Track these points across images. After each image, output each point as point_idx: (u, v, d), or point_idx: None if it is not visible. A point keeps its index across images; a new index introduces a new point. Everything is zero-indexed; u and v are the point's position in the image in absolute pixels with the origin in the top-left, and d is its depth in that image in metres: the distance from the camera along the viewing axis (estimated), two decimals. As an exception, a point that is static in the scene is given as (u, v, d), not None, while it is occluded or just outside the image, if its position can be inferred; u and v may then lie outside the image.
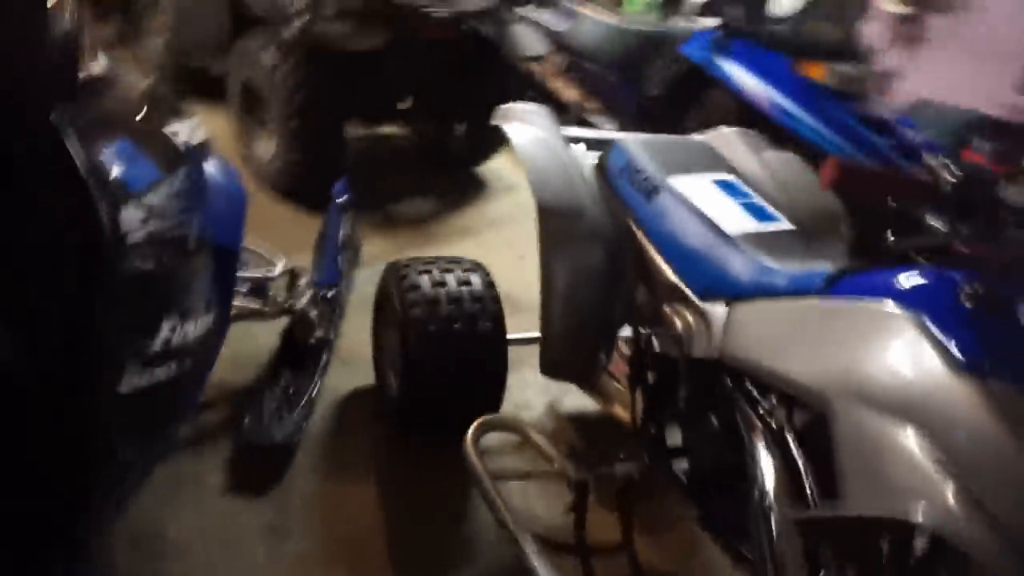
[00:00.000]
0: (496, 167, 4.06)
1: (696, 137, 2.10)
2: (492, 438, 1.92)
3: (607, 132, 2.08)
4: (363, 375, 2.29)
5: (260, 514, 1.78)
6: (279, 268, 2.16)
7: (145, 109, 1.47)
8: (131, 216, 1.15)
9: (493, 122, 1.91)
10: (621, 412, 1.95)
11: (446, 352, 1.81)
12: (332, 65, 2.88)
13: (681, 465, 1.70)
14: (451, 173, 3.89)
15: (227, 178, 1.64)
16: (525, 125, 1.86)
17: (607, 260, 1.75)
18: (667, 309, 1.62)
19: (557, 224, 1.71)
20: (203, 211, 1.41)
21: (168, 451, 1.58)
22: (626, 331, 1.83)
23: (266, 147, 3.09)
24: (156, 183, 1.26)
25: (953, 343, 1.08)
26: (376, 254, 2.95)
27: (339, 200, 2.56)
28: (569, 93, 4.12)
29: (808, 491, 1.28)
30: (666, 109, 3.58)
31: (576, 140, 2.01)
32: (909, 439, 1.04)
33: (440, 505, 1.91)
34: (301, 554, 1.71)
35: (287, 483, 1.88)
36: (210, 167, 1.56)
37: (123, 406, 1.15)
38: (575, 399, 2.38)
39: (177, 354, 1.29)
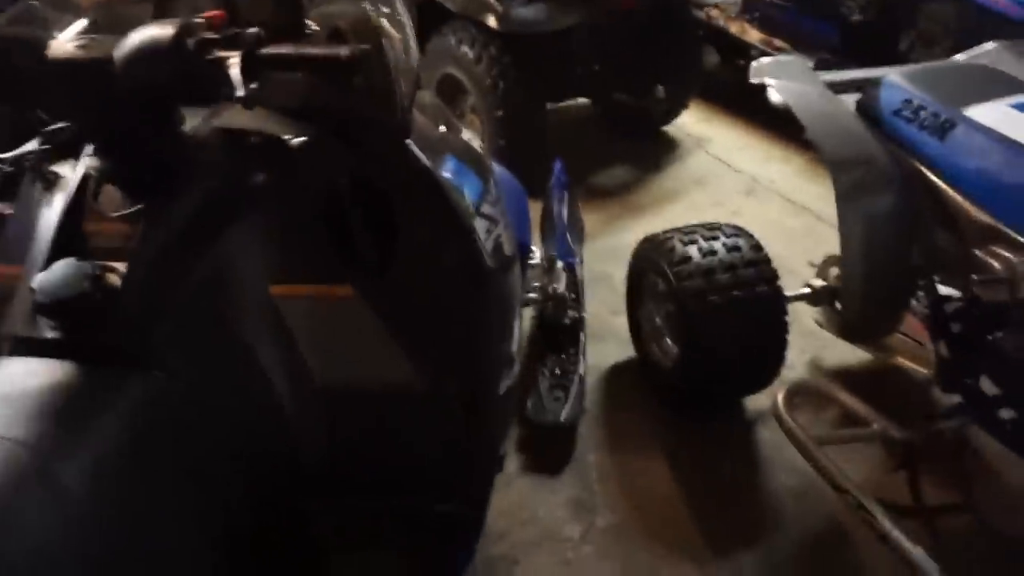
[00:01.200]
0: (679, 123, 3.95)
1: (964, 59, 1.93)
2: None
3: (860, 71, 1.94)
4: (615, 348, 2.34)
5: (561, 491, 1.87)
6: (538, 256, 2.23)
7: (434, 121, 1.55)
8: (480, 227, 1.22)
9: (753, 80, 1.84)
10: (912, 365, 1.85)
11: (729, 320, 1.79)
12: (528, 49, 2.91)
13: (1006, 414, 1.59)
14: (638, 137, 3.83)
15: (509, 177, 1.70)
16: (786, 80, 1.78)
17: (901, 208, 1.65)
18: (982, 252, 1.52)
19: (849, 176, 1.64)
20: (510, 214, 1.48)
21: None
22: (923, 281, 1.72)
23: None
24: (484, 193, 1.33)
25: None
26: (590, 228, 2.98)
27: (560, 180, 2.59)
28: (752, 35, 3.91)
29: None
30: (875, 34, 3.30)
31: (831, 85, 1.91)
32: None
33: (731, 473, 1.92)
34: (611, 527, 1.78)
35: (579, 460, 1.96)
36: (496, 169, 1.62)
37: (499, 406, 1.24)
38: (834, 356, 2.30)
39: (518, 354, 1.37)
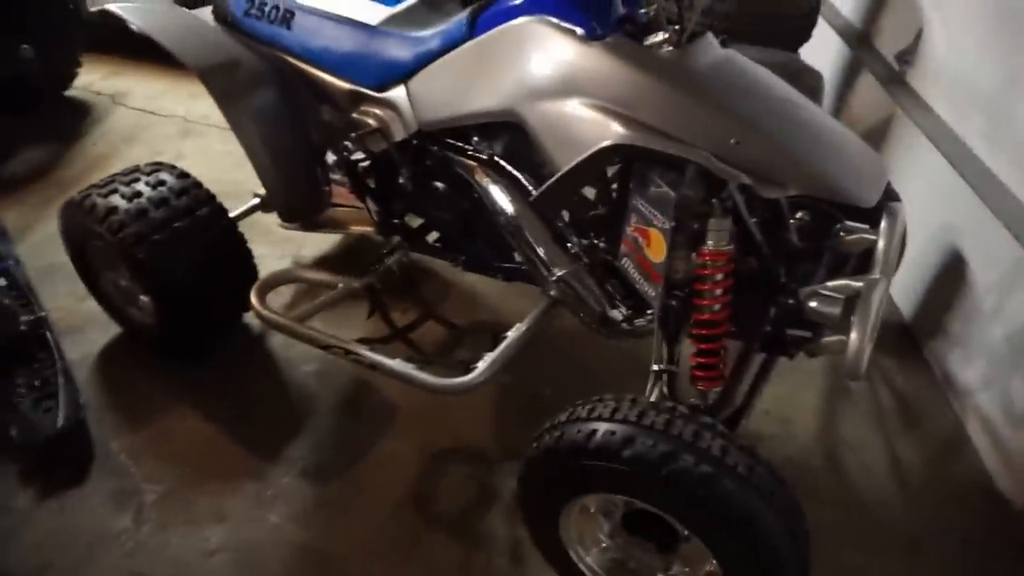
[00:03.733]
0: (84, 83, 3.58)
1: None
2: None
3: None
4: (97, 333, 2.15)
5: (96, 493, 1.72)
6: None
7: None
8: None
9: (91, 9, 1.75)
10: (361, 228, 2.12)
11: (183, 252, 1.78)
12: None
13: (431, 237, 1.97)
14: (31, 110, 3.33)
15: None
16: (133, 4, 1.74)
17: (281, 97, 1.81)
18: (355, 114, 1.78)
19: (222, 82, 1.71)
20: None
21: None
22: (332, 154, 1.95)
23: None
24: None
25: (573, 25, 1.41)
26: (17, 223, 2.59)
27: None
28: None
29: (529, 188, 1.61)
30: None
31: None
32: (581, 105, 1.37)
33: (255, 388, 2.00)
34: (162, 496, 1.72)
35: (102, 454, 1.81)
36: None
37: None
38: (310, 250, 2.51)
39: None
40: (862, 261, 1.54)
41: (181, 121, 3.34)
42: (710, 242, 1.36)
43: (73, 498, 1.71)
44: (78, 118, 3.35)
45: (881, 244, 1.43)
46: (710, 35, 1.41)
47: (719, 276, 1.38)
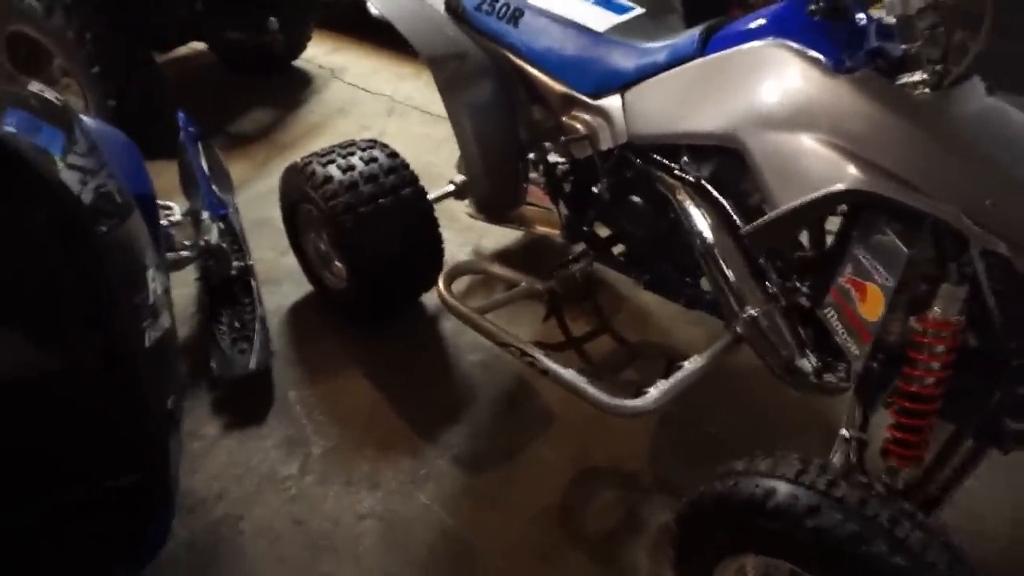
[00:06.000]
0: (310, 56, 3.90)
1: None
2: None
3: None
4: (291, 288, 2.32)
5: (270, 436, 1.86)
6: (178, 212, 2.07)
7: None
8: (71, 178, 1.12)
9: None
10: (546, 229, 2.13)
11: (383, 226, 1.87)
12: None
13: (617, 248, 1.94)
14: (266, 76, 3.69)
15: (110, 130, 1.55)
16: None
17: (498, 92, 1.85)
18: (566, 118, 1.78)
19: (447, 72, 1.78)
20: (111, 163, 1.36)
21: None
22: (534, 154, 1.96)
23: (71, 103, 2.78)
24: (68, 143, 1.21)
25: (818, 53, 1.32)
26: (240, 175, 2.86)
27: (189, 131, 2.42)
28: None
29: (736, 221, 1.53)
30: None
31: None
32: (812, 141, 1.28)
33: (424, 366, 2.07)
34: (327, 452, 1.82)
35: (280, 401, 1.95)
36: (86, 120, 1.47)
37: (149, 360, 1.17)
38: (490, 242, 2.56)
39: (164, 302, 1.30)
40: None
41: (388, 100, 3.54)
42: (937, 309, 1.22)
43: (251, 437, 1.86)
44: (301, 87, 3.65)
45: None
46: (977, 80, 1.26)
47: (940, 348, 1.24)
